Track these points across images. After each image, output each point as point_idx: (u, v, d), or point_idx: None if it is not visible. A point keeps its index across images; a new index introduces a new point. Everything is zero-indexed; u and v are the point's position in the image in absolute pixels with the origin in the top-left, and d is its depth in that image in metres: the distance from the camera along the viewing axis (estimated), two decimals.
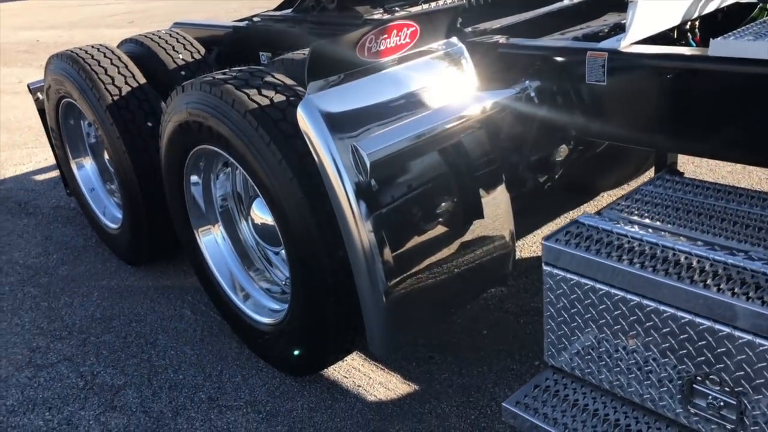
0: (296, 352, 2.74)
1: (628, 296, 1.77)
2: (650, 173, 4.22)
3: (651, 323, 1.73)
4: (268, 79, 2.57)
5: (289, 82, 2.57)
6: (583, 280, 1.84)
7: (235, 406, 2.86)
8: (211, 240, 3.13)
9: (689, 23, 2.71)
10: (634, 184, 4.28)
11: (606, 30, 2.79)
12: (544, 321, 2.00)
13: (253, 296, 3.02)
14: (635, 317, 1.76)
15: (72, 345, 3.39)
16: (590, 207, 4.13)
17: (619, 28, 2.72)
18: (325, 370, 2.97)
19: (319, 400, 2.83)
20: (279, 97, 2.47)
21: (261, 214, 2.90)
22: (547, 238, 1.91)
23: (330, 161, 2.16)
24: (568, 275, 1.87)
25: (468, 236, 2.49)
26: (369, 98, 2.25)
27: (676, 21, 2.58)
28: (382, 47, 2.26)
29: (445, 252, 2.43)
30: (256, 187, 2.52)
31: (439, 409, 2.72)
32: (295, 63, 2.74)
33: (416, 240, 2.33)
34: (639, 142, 2.44)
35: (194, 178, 3.03)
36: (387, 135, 2.17)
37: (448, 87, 2.42)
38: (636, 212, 2.02)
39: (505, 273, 2.68)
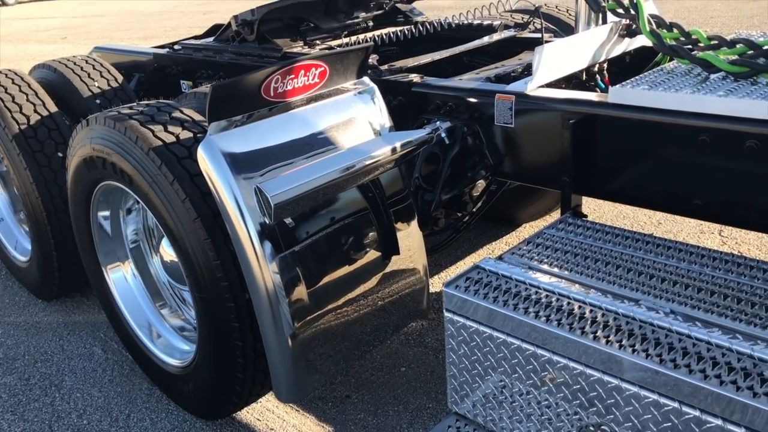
0: (204, 396, 2.65)
1: (524, 345, 1.77)
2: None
3: (546, 373, 1.73)
4: (176, 114, 2.50)
5: (198, 117, 2.51)
6: (482, 328, 1.83)
7: None
8: (121, 278, 3.01)
9: (597, 66, 2.78)
10: (555, 215, 4.37)
11: (519, 69, 2.84)
12: (447, 367, 1.99)
13: (163, 336, 2.91)
14: (531, 366, 1.76)
15: None
16: (512, 238, 4.18)
17: (531, 70, 2.77)
18: (238, 412, 2.88)
19: None
20: (185, 134, 2.40)
21: (170, 251, 2.81)
22: (447, 283, 1.90)
23: (232, 203, 2.10)
24: (468, 322, 1.86)
25: (381, 273, 2.47)
26: (275, 138, 2.21)
27: (583, 65, 2.64)
28: (288, 87, 2.23)
29: (357, 291, 2.40)
30: (160, 226, 2.44)
31: None
32: (206, 97, 2.68)
33: (325, 280, 2.29)
34: (545, 184, 2.48)
35: (102, 214, 2.91)
36: (293, 176, 2.13)
37: (358, 127, 2.40)
38: (536, 257, 2.03)
39: (421, 308, 2.67)
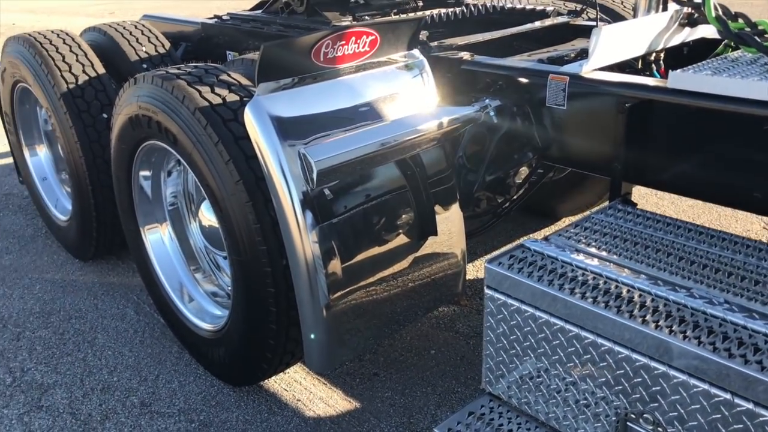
0: (234, 361, 2.65)
1: (567, 326, 1.72)
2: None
3: (588, 356, 1.67)
4: (224, 77, 2.49)
5: (245, 81, 2.49)
6: (524, 307, 1.78)
7: (168, 413, 2.75)
8: (158, 239, 3.03)
9: (654, 54, 2.70)
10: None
11: (572, 54, 2.77)
12: (483, 346, 1.95)
13: (196, 300, 2.92)
14: (573, 349, 1.71)
15: (4, 339, 3.25)
16: (551, 231, 4.10)
17: (585, 54, 2.69)
18: (266, 381, 2.88)
19: (255, 412, 2.73)
20: (232, 97, 2.39)
21: (209, 216, 2.81)
22: (490, 260, 1.86)
23: (276, 167, 2.08)
24: (509, 300, 1.81)
25: (418, 252, 2.43)
26: (322, 105, 2.18)
27: (640, 51, 2.56)
28: (338, 53, 2.19)
29: (393, 267, 2.36)
30: (202, 188, 2.44)
31: (378, 429, 2.64)
32: (254, 63, 2.66)
33: (362, 254, 2.26)
34: (594, 170, 2.41)
35: (144, 174, 2.93)
36: (337, 144, 2.10)
37: (406, 99, 2.36)
38: (583, 240, 1.97)
39: (456, 292, 2.63)
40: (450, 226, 2.50)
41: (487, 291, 1.87)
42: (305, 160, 2.04)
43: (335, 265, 2.18)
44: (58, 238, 4.12)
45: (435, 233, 2.43)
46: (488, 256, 3.71)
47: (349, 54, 2.22)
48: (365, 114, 2.25)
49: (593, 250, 1.93)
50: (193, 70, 2.51)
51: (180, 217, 3.05)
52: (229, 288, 2.98)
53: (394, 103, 2.33)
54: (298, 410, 2.75)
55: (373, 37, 2.26)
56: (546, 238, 2.00)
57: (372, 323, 2.36)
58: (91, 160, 3.40)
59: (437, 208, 2.44)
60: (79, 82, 3.39)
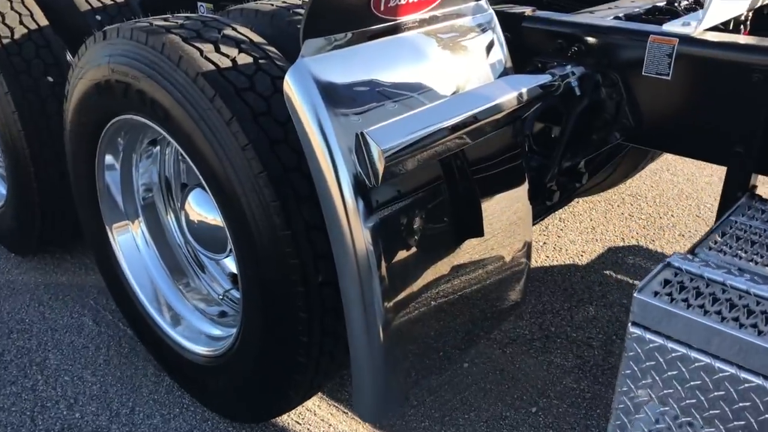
0: (241, 396, 2.09)
1: (752, 378, 1.26)
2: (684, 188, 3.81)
3: None
4: (229, 32, 1.87)
5: (257, 39, 1.89)
6: (693, 354, 1.31)
7: None
8: (129, 240, 2.40)
9: (744, 14, 2.25)
10: (613, 194, 3.88)
11: (657, 13, 2.27)
12: (616, 397, 1.47)
13: (183, 317, 2.32)
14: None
15: None
16: (565, 213, 3.67)
17: (673, 13, 2.21)
18: None
19: None
20: (245, 59, 1.79)
21: (201, 210, 2.20)
22: (640, 289, 1.37)
23: (324, 152, 1.52)
24: (670, 344, 1.33)
25: (481, 258, 1.93)
26: (382, 69, 1.62)
27: (744, 7, 2.10)
28: (401, 2, 1.63)
29: (457, 281, 1.85)
30: (203, 179, 1.84)
31: None
32: (261, 15, 2.05)
33: (428, 266, 1.74)
34: (707, 156, 1.95)
35: (110, 159, 2.28)
36: (407, 123, 1.55)
37: (476, 63, 1.83)
38: (741, 254, 1.51)
39: (519, 299, 2.14)
40: (516, 222, 2.00)
41: (633, 330, 1.38)
42: (365, 146, 1.48)
43: (398, 286, 1.65)
44: None
45: (501, 232, 1.93)
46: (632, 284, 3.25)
47: (412, 3, 1.66)
48: (434, 82, 1.70)
49: (755, 266, 1.47)
50: (187, 22, 1.88)
51: (157, 211, 2.43)
52: (219, 297, 2.41)
53: (464, 68, 1.79)
54: None
55: None
56: (693, 252, 1.52)
57: (433, 355, 1.85)
58: (33, 134, 2.71)
59: (503, 201, 1.93)
60: (16, 36, 2.68)
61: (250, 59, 1.80)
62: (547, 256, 3.35)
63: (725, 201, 1.86)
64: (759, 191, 1.88)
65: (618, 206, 3.82)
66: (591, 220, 3.65)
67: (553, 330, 2.83)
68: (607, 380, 2.58)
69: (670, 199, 3.90)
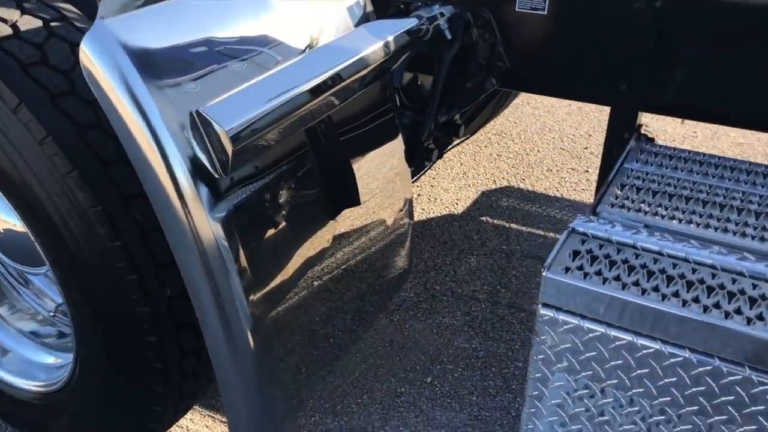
0: None
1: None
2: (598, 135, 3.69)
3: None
4: None
5: None
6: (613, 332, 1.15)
7: None
8: None
9: None
10: (480, 134, 3.75)
11: None
12: (528, 382, 1.30)
13: (6, 347, 1.90)
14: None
15: None
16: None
17: None
18: None
19: None
20: (31, 22, 1.37)
21: (3, 216, 1.76)
22: (549, 267, 1.18)
23: (147, 136, 1.17)
24: (584, 323, 1.16)
25: (365, 226, 1.69)
26: (213, 25, 1.28)
27: None
28: None
29: (342, 256, 1.60)
30: None
31: None
32: None
33: (301, 249, 1.46)
34: (590, 97, 1.79)
35: None
36: (254, 92, 1.23)
37: (332, 11, 1.53)
38: (644, 207, 1.36)
39: (406, 265, 1.93)
40: (394, 180, 1.76)
41: (543, 311, 1.19)
42: (206, 130, 1.16)
43: (269, 275, 1.37)
44: None
45: (378, 197, 1.69)
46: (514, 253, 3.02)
47: None
48: (281, 37, 1.39)
49: (661, 220, 1.33)
50: None
51: None
52: (51, 314, 2.00)
53: (321, 17, 1.48)
54: None
55: None
56: (595, 212, 1.35)
57: (323, 344, 1.60)
58: None
59: (378, 163, 1.69)
60: None
61: (38, 23, 1.38)
62: (423, 209, 3.18)
63: (611, 144, 1.72)
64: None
65: (486, 147, 3.71)
66: (462, 164, 3.52)
67: (438, 288, 2.68)
68: (497, 334, 2.47)
69: (534, 133, 3.85)
